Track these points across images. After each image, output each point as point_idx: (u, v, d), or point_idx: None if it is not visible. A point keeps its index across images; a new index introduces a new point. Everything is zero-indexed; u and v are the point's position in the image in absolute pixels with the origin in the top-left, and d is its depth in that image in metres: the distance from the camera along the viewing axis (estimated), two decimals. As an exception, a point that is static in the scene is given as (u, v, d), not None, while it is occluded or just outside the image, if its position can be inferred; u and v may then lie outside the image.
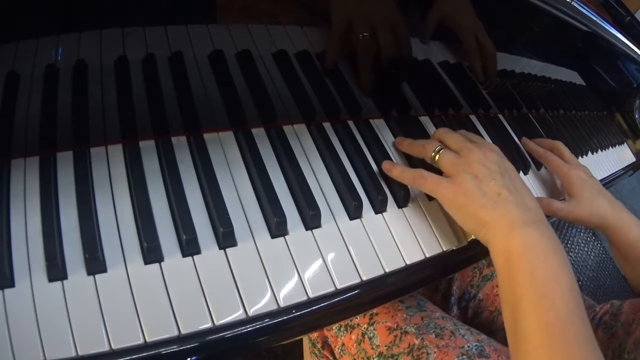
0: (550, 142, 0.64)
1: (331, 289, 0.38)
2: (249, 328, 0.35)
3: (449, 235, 0.46)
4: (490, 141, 0.62)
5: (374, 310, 0.53)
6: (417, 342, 0.50)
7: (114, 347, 0.30)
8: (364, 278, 0.40)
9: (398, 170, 0.45)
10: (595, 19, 0.66)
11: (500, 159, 0.43)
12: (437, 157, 0.43)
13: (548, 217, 0.54)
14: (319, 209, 0.40)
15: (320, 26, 0.45)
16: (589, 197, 0.55)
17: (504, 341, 0.42)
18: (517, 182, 0.42)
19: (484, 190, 0.40)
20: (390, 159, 0.49)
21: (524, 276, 0.36)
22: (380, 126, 0.52)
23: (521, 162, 0.61)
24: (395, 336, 0.51)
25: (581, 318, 0.35)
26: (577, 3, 0.60)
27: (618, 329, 0.54)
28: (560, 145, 0.62)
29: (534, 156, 0.63)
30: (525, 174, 0.62)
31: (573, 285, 0.36)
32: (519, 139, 0.67)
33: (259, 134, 0.44)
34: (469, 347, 0.48)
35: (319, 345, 0.60)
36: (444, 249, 0.45)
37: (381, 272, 0.41)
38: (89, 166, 0.37)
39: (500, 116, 0.68)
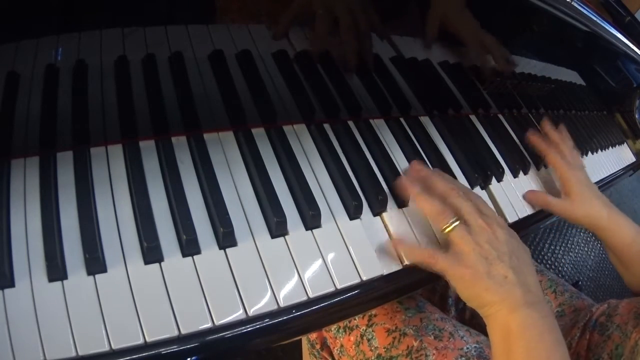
0: (557, 136, 0.64)
1: (331, 289, 0.38)
2: (249, 328, 0.35)
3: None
4: (490, 141, 0.62)
5: (373, 312, 0.53)
6: (415, 343, 0.50)
7: (114, 347, 0.30)
8: (364, 278, 0.40)
9: (407, 249, 0.43)
10: (595, 19, 0.66)
11: (509, 238, 0.43)
12: (448, 229, 0.42)
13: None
14: (319, 209, 0.40)
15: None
16: (586, 198, 0.56)
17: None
18: (523, 261, 0.43)
19: (491, 273, 0.40)
20: (390, 159, 0.49)
21: (521, 353, 0.38)
22: (380, 126, 0.52)
23: (521, 162, 0.61)
24: (394, 338, 0.51)
25: None
26: (577, 3, 0.60)
27: (613, 331, 0.54)
28: (564, 144, 0.62)
29: (536, 149, 0.62)
30: (525, 174, 0.62)
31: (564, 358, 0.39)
32: (519, 139, 0.67)
33: (259, 134, 0.44)
34: (467, 348, 0.49)
35: (317, 347, 0.60)
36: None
37: (381, 273, 0.41)
38: (89, 166, 0.37)
39: (500, 116, 0.68)
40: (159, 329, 0.32)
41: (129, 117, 0.39)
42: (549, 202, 0.57)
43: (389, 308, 0.53)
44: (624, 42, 0.76)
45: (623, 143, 1.03)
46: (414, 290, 0.49)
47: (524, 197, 0.58)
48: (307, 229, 0.40)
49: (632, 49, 0.79)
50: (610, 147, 0.94)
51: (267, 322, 0.35)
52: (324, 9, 0.43)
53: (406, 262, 0.42)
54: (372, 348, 0.52)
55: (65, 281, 0.31)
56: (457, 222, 0.42)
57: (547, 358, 0.38)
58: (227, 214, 0.37)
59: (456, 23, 0.52)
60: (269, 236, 0.39)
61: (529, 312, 0.39)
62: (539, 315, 0.40)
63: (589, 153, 0.84)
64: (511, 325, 0.39)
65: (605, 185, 0.84)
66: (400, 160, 0.51)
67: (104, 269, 0.33)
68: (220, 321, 0.33)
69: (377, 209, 0.44)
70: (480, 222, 0.43)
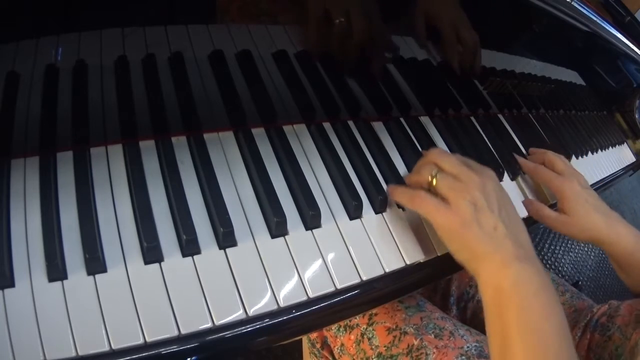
0: (540, 154, 0.61)
1: (331, 289, 0.38)
2: (249, 328, 0.35)
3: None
4: (489, 141, 0.62)
5: (373, 311, 0.53)
6: (416, 342, 0.50)
7: (114, 347, 0.30)
8: (364, 278, 0.40)
9: (397, 192, 0.44)
10: (595, 19, 0.66)
11: (498, 188, 0.42)
12: (434, 181, 0.42)
13: (537, 228, 0.54)
14: (319, 209, 0.40)
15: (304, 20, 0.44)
16: (582, 214, 0.53)
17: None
18: (512, 214, 0.42)
19: (481, 222, 0.39)
20: (390, 159, 0.49)
21: (513, 312, 0.36)
22: (380, 126, 0.52)
23: (519, 163, 0.61)
24: (395, 336, 0.51)
25: (569, 355, 0.35)
26: (577, 3, 0.60)
27: (614, 332, 0.54)
28: (549, 156, 0.60)
29: (524, 172, 0.60)
30: (525, 173, 0.62)
31: (562, 322, 0.36)
32: (519, 139, 0.67)
33: (259, 134, 0.44)
34: (468, 347, 0.49)
35: (318, 346, 0.60)
36: (442, 251, 0.45)
37: (381, 272, 0.41)
38: (89, 166, 0.37)
39: (500, 116, 0.68)
40: (159, 329, 0.32)
41: (129, 117, 0.39)
42: (544, 215, 0.54)
43: (390, 307, 0.53)
44: (624, 42, 0.76)
45: (623, 143, 1.03)
46: (414, 290, 0.49)
47: (523, 202, 0.57)
48: (307, 229, 0.40)
49: (632, 49, 0.79)
50: (610, 147, 0.94)
51: (267, 322, 0.35)
52: (341, 15, 0.43)
53: (407, 262, 0.42)
54: (373, 347, 0.52)
55: (65, 281, 0.31)
56: (439, 173, 0.41)
57: (543, 318, 0.36)
58: (227, 214, 0.37)
59: (438, 18, 0.51)
60: (269, 236, 0.39)
61: (522, 267, 0.37)
62: (533, 271, 0.37)
63: (589, 153, 0.84)
64: (503, 282, 0.37)
65: (605, 185, 0.84)
66: (400, 161, 0.51)
67: (104, 269, 0.33)
68: (220, 321, 0.33)
69: (377, 209, 0.44)
70: (466, 170, 0.42)
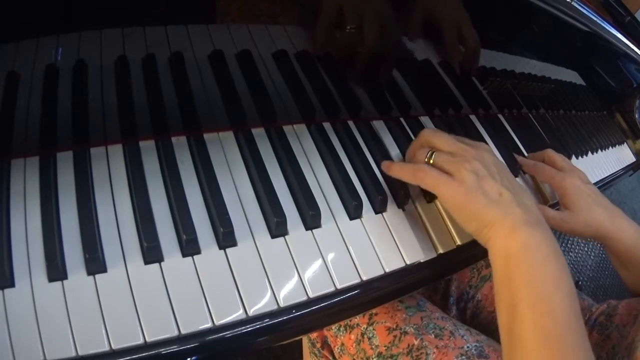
0: (539, 153, 0.61)
1: (331, 289, 0.38)
2: (249, 328, 0.35)
3: (448, 235, 0.46)
4: (490, 142, 0.62)
5: (374, 311, 0.53)
6: (416, 342, 0.50)
7: (114, 347, 0.30)
8: (364, 278, 0.40)
9: (397, 167, 0.44)
10: (595, 19, 0.66)
11: (495, 159, 0.42)
12: (431, 160, 0.42)
13: None
14: (319, 209, 0.40)
15: (313, 22, 0.44)
16: (584, 209, 0.53)
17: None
18: (514, 183, 0.42)
19: (485, 189, 0.39)
20: (390, 158, 0.49)
21: (522, 279, 0.36)
22: (380, 126, 0.52)
23: (519, 161, 0.61)
24: (395, 336, 0.51)
25: (578, 324, 0.34)
26: (577, 3, 0.60)
27: (612, 331, 0.54)
28: (549, 153, 0.60)
29: (525, 171, 0.60)
30: (525, 173, 0.62)
31: (571, 290, 0.36)
32: (519, 139, 0.67)
33: (259, 134, 0.44)
34: (468, 347, 0.48)
35: (318, 345, 0.60)
36: (442, 251, 0.45)
37: (381, 272, 0.41)
38: (89, 166, 0.37)
39: (500, 116, 0.68)
40: (159, 329, 0.32)
41: (129, 117, 0.39)
42: (547, 216, 0.52)
43: (390, 307, 0.53)
44: (624, 42, 0.76)
45: (623, 143, 1.03)
46: (414, 290, 0.49)
47: None
48: (307, 229, 0.40)
49: (632, 49, 0.79)
50: (610, 147, 0.94)
51: (267, 322, 0.36)
52: (354, 19, 0.43)
53: (407, 262, 0.42)
54: (373, 346, 0.52)
55: (65, 281, 0.31)
56: (435, 152, 0.42)
57: (552, 285, 0.35)
58: (227, 214, 0.37)
59: (439, 16, 0.51)
60: (269, 236, 0.39)
61: (531, 232, 0.37)
62: (543, 236, 0.37)
63: (589, 153, 0.84)
64: (512, 247, 0.36)
65: (605, 185, 0.84)
66: (400, 161, 0.51)
67: (104, 269, 0.33)
68: (220, 321, 0.33)
69: (377, 209, 0.44)
70: (461, 145, 0.42)
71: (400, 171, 0.43)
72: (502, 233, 0.38)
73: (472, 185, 0.39)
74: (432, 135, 0.44)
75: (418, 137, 0.46)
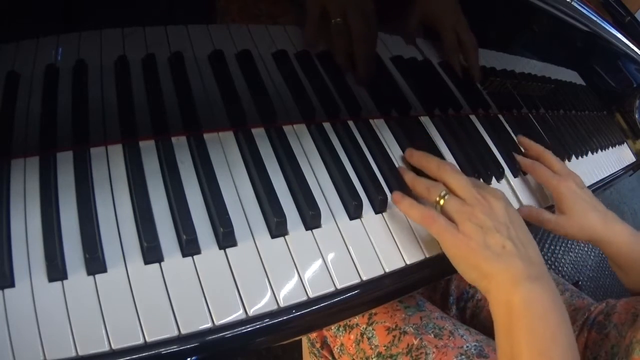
0: (536, 149, 0.62)
1: (331, 289, 0.38)
2: (249, 328, 0.35)
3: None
4: (490, 142, 0.62)
5: (373, 310, 0.53)
6: (416, 342, 0.50)
7: (114, 347, 0.30)
8: (364, 278, 0.40)
9: (407, 204, 0.44)
10: (595, 19, 0.66)
11: (507, 209, 0.43)
12: (442, 202, 0.43)
13: (537, 227, 0.54)
14: (319, 209, 0.40)
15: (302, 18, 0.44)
16: (580, 213, 0.53)
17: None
18: (523, 234, 0.42)
19: (488, 242, 0.39)
20: (390, 159, 0.49)
21: (522, 332, 0.36)
22: (380, 126, 0.52)
23: (517, 160, 0.61)
24: (394, 336, 0.51)
25: None
26: (577, 3, 0.60)
27: (610, 330, 0.54)
28: (547, 155, 0.60)
29: (523, 170, 0.61)
30: (525, 173, 0.62)
31: (571, 343, 0.37)
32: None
33: (259, 134, 0.44)
34: (467, 347, 0.49)
35: (318, 345, 0.60)
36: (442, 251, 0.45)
37: (381, 272, 0.41)
38: (89, 166, 0.37)
39: (500, 116, 0.68)
40: (159, 329, 0.32)
41: (129, 117, 0.39)
42: (544, 220, 0.54)
43: (389, 307, 0.54)
44: (624, 42, 0.76)
45: (623, 143, 1.03)
46: (414, 290, 0.49)
47: (519, 210, 0.57)
48: (307, 229, 0.40)
49: (632, 49, 0.79)
50: (610, 147, 0.94)
51: (267, 322, 0.36)
52: (339, 16, 0.43)
53: (407, 262, 0.42)
54: (373, 346, 0.52)
55: (65, 281, 0.31)
56: (447, 194, 0.42)
57: (552, 339, 0.36)
58: (227, 214, 0.37)
59: (436, 18, 0.51)
60: (269, 236, 0.39)
61: (532, 287, 0.37)
62: (543, 291, 0.38)
63: (589, 153, 0.84)
64: (513, 300, 0.37)
65: (605, 185, 0.84)
66: (400, 161, 0.51)
67: (104, 269, 0.33)
68: (220, 321, 0.33)
69: (377, 209, 0.44)
70: (473, 193, 0.42)
71: (409, 209, 0.43)
72: (504, 286, 0.38)
73: (475, 240, 0.39)
74: (451, 176, 0.44)
75: (439, 169, 0.46)
